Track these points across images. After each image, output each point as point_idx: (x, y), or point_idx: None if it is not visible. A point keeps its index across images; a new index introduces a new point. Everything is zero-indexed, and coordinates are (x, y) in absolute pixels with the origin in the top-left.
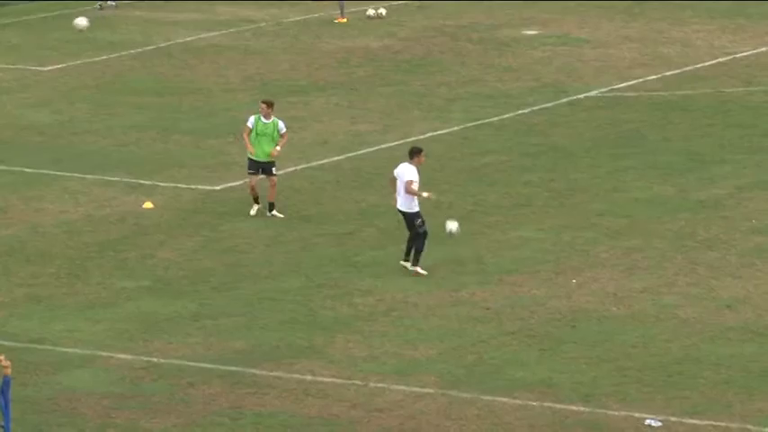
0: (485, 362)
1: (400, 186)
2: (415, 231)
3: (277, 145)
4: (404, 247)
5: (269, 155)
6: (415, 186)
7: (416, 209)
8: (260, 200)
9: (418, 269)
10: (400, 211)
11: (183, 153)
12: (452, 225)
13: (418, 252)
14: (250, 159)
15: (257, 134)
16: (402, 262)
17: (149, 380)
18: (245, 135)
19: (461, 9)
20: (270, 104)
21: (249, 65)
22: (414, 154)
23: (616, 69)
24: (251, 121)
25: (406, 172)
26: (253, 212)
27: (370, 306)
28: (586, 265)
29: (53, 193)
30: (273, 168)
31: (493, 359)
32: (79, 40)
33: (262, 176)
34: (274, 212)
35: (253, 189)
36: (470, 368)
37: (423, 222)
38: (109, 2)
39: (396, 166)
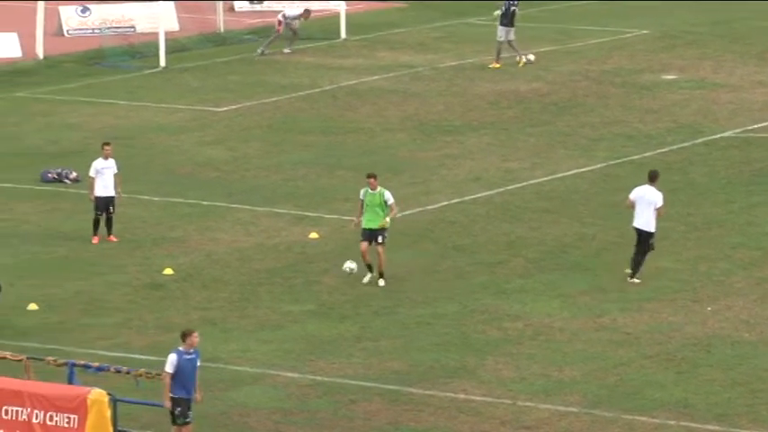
0: (625, 383)
1: (644, 207)
2: (646, 248)
3: (386, 216)
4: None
5: (377, 223)
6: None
7: (654, 229)
8: (373, 268)
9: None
10: (638, 230)
11: (346, 188)
12: (351, 264)
13: (640, 264)
14: (362, 228)
15: (366, 205)
16: (630, 279)
17: (314, 397)
18: (359, 206)
19: (605, 55)
20: (374, 177)
21: (407, 106)
22: (657, 177)
23: (749, 112)
24: (361, 193)
25: (657, 197)
26: (366, 280)
27: (519, 330)
28: (721, 294)
29: (227, 223)
30: (380, 237)
31: (633, 381)
32: (253, 84)
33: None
34: (380, 282)
35: (364, 256)
36: (612, 389)
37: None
38: (289, 49)
39: (633, 190)
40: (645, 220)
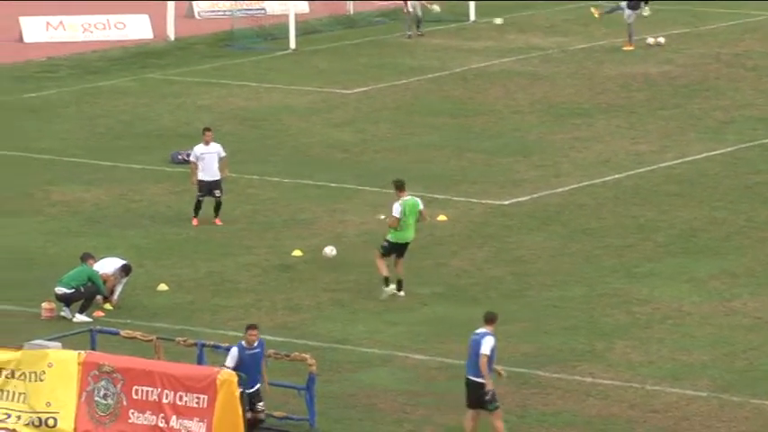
0: (755, 368)
1: None
2: None
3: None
4: None
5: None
6: None
7: None
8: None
9: None
10: None
11: (474, 170)
12: (329, 250)
13: None
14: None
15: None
16: None
17: (442, 379)
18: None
19: (737, 38)
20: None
21: (537, 89)
22: None
23: None
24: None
25: None
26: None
27: (648, 314)
28: None
29: (355, 205)
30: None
31: (763, 365)
32: (382, 66)
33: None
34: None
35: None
36: (741, 373)
37: None
38: (417, 32)
39: None
40: None
